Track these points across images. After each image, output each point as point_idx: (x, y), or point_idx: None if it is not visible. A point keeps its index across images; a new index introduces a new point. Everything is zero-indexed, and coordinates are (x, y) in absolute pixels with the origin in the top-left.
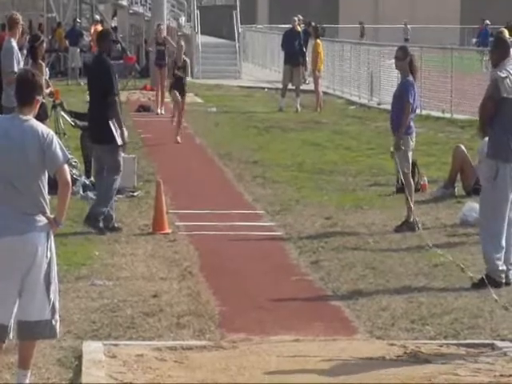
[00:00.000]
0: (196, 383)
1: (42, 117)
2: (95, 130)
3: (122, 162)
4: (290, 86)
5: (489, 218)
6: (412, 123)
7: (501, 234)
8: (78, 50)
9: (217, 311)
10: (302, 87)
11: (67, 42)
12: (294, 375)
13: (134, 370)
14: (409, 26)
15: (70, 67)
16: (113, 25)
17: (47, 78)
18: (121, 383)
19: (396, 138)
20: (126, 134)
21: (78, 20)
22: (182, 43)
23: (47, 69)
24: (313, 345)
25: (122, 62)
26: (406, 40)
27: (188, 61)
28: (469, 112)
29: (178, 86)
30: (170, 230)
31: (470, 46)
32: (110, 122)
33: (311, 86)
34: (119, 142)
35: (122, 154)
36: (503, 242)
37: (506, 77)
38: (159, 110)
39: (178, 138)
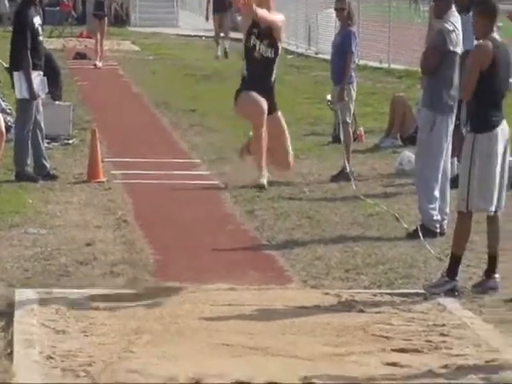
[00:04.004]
0: (129, 331)
1: None
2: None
3: (27, 117)
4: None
5: (424, 168)
6: (353, 73)
7: (435, 185)
8: None
9: (151, 260)
10: (237, 36)
11: None
12: (228, 323)
13: (67, 318)
14: None
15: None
16: None
17: None
18: (53, 331)
19: (339, 88)
20: (36, 87)
21: None
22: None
23: None
24: (247, 293)
25: (58, 8)
26: None
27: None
28: (406, 62)
29: (263, 84)
30: (105, 179)
31: None
32: (15, 74)
33: None
34: (18, 95)
35: (40, 108)
36: (437, 193)
37: (453, 30)
38: (98, 63)
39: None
